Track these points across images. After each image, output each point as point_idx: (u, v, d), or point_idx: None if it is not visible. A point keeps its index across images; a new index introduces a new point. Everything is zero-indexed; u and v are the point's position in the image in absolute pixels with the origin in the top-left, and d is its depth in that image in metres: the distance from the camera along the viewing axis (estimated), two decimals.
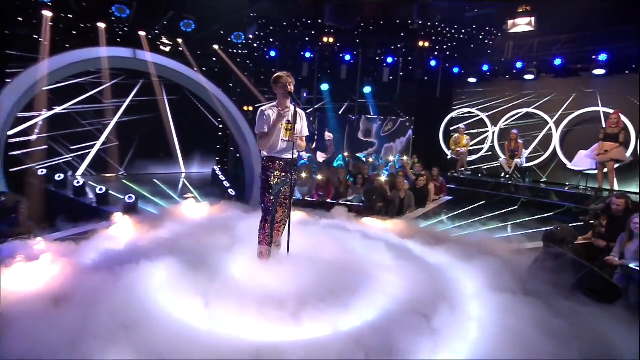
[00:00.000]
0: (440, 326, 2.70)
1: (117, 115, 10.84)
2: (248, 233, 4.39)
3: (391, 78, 11.19)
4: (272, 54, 10.99)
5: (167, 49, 9.87)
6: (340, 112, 12.14)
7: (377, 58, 11.06)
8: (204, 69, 10.43)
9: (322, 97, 11.51)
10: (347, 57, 10.94)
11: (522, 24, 8.61)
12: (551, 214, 7.79)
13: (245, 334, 2.61)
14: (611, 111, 8.08)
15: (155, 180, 10.37)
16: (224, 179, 9.35)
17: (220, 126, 12.26)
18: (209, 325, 2.72)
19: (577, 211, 7.59)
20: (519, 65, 9.22)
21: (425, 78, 11.31)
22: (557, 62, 8.64)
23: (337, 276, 3.31)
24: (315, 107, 11.88)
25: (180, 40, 9.89)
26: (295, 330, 2.69)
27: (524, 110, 9.99)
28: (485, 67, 9.95)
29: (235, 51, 10.81)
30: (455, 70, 10.59)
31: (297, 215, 5.55)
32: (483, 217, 7.38)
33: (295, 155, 3.74)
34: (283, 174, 3.75)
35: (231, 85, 11.62)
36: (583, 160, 8.36)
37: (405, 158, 10.89)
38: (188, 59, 10.09)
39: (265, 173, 3.75)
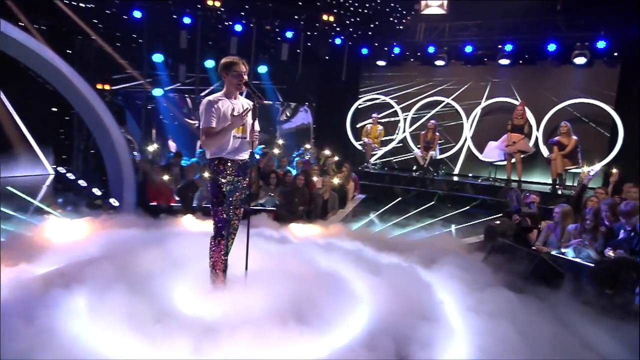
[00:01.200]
0: (438, 324, 3.30)
1: None
2: (179, 254, 4.32)
3: (289, 57, 11.52)
4: (137, 14, 10.31)
5: None
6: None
7: (275, 31, 11.33)
8: (21, 23, 9.08)
9: (207, 76, 11.27)
10: (238, 28, 10.90)
11: (434, 6, 10.03)
12: (467, 207, 9.33)
13: None
14: (517, 102, 10.04)
15: None
16: (86, 184, 8.51)
17: (55, 109, 10.96)
18: None
19: (491, 203, 9.28)
20: (431, 49, 10.62)
21: (327, 58, 12.02)
22: (468, 49, 10.28)
23: (316, 290, 3.56)
24: (202, 89, 11.55)
25: None
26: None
27: (445, 101, 11.33)
28: (397, 50, 11.13)
29: (77, 4, 9.74)
30: (364, 51, 11.57)
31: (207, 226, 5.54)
32: (408, 214, 8.42)
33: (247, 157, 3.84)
34: (237, 178, 3.82)
35: (70, 52, 10.46)
36: (492, 152, 10.19)
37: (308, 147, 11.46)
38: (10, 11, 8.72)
39: (215, 179, 3.74)
